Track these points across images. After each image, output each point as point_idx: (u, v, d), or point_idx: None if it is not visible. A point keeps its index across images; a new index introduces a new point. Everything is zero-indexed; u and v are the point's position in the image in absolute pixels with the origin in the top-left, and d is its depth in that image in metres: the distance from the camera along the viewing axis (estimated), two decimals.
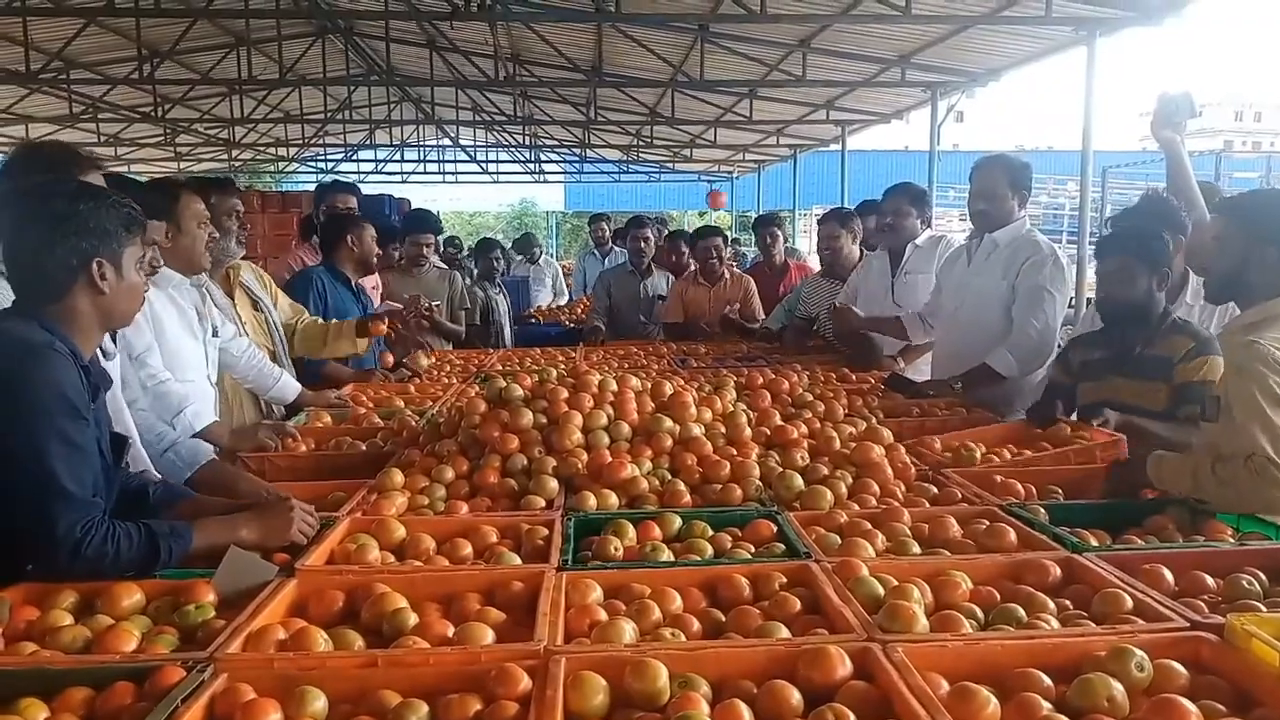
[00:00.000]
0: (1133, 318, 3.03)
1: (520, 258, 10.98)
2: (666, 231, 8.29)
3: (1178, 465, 2.39)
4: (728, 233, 9.11)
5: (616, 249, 9.56)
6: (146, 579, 1.88)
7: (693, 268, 6.35)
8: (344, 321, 4.18)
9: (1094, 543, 2.11)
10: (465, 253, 10.87)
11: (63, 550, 1.80)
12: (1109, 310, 3.09)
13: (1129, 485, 2.52)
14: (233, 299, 3.76)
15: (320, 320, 4.22)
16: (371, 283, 5.27)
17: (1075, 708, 1.42)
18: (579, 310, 8.54)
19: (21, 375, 1.81)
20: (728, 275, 6.22)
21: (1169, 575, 1.87)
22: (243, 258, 3.89)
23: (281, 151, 21.01)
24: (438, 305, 5.31)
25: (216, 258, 3.61)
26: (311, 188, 21.37)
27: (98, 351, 2.10)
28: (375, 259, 4.85)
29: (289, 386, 3.65)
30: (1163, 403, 2.95)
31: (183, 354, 2.96)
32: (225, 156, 20.52)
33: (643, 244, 6.54)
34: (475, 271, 7.37)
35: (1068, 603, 1.82)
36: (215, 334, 3.29)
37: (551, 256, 13.37)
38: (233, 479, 2.59)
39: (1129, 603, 1.73)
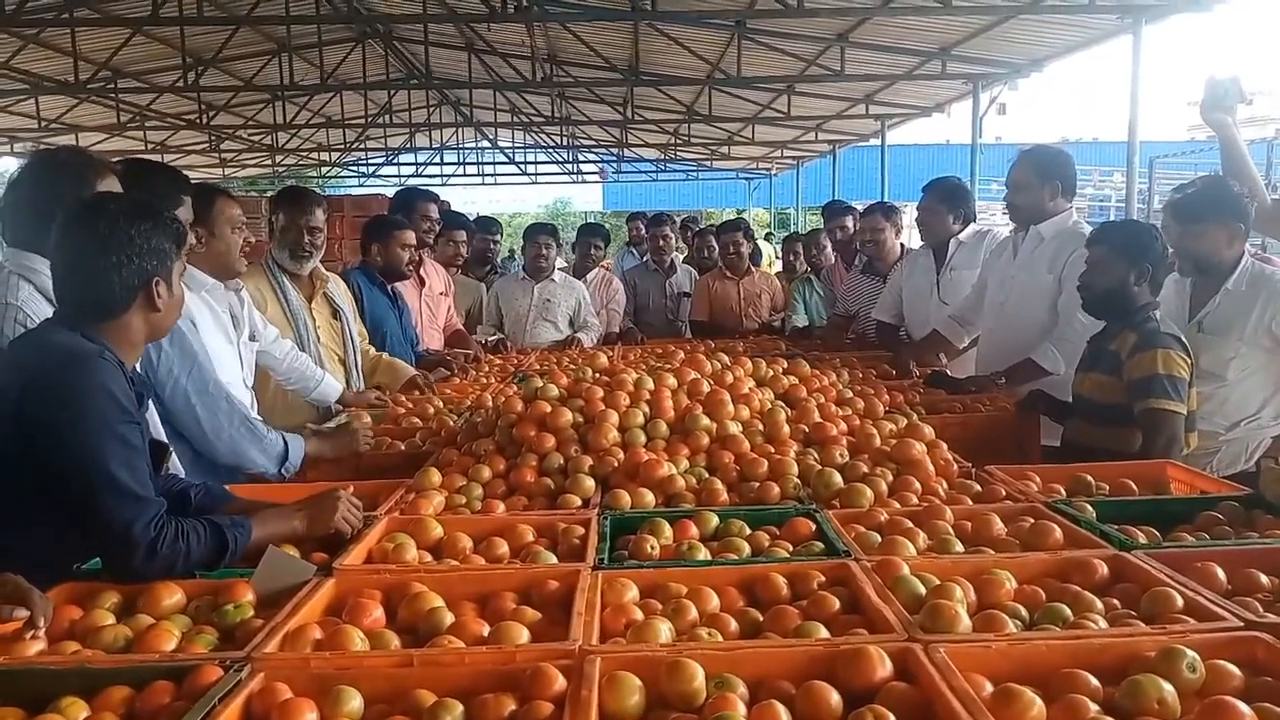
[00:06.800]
0: (1108, 309, 3.04)
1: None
2: (696, 228, 8.32)
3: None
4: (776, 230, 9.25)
5: None
6: (188, 579, 1.90)
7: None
8: (408, 373, 4.16)
9: (1143, 540, 2.06)
10: (508, 254, 10.90)
11: (139, 551, 1.82)
12: (1086, 299, 3.10)
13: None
14: (310, 301, 3.88)
15: (387, 358, 4.24)
16: (441, 287, 5.28)
17: (1124, 710, 1.38)
18: None
19: (73, 384, 1.83)
20: (753, 269, 6.27)
21: (1221, 573, 1.81)
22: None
23: (324, 156, 21.32)
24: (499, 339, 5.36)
25: (286, 265, 3.83)
26: (354, 192, 21.78)
27: (139, 362, 2.12)
28: (409, 266, 4.67)
29: (331, 388, 3.68)
30: (1118, 398, 2.94)
31: (218, 357, 2.99)
32: (269, 162, 20.85)
33: (663, 242, 6.56)
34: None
35: (1116, 602, 1.77)
36: (253, 338, 3.33)
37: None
38: None
39: (1180, 602, 1.68)
